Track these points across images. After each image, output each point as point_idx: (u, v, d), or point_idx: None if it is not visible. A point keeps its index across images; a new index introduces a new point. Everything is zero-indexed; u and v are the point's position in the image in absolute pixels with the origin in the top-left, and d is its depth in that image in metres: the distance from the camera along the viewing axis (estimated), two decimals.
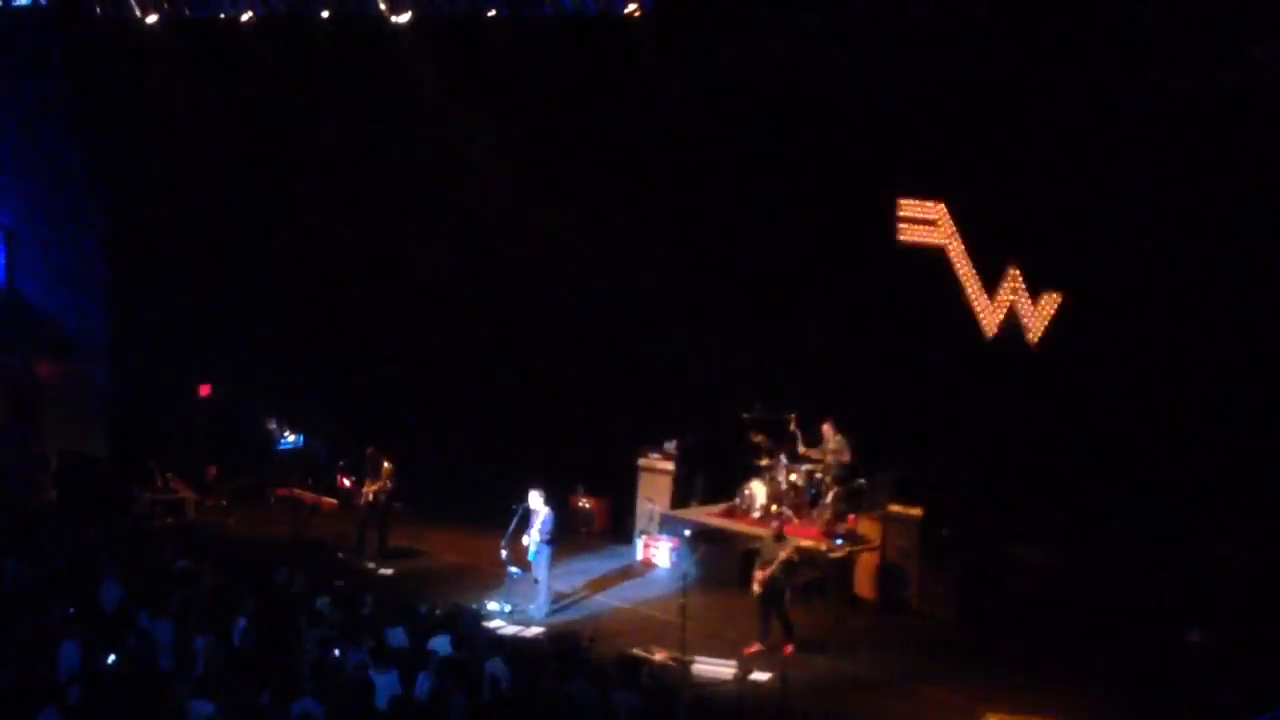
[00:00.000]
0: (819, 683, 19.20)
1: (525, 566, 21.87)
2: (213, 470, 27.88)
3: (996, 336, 24.66)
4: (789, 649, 20.28)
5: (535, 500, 21.80)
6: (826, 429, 24.32)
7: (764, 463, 24.38)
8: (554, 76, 26.96)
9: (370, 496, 24.63)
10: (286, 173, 28.71)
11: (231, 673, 16.30)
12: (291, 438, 28.63)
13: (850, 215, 25.68)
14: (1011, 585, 22.28)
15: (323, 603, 18.79)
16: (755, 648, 20.24)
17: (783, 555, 20.55)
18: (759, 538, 23.26)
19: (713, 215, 26.92)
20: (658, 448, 25.40)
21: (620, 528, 26.03)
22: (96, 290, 28.53)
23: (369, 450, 25.03)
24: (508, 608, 21.52)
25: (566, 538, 24.26)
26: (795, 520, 23.65)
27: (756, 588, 20.59)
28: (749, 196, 26.38)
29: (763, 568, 20.59)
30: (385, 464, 24.87)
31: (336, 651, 17.15)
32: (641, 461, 25.39)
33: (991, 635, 21.11)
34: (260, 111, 28.50)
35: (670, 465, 25.17)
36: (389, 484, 24.67)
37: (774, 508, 23.87)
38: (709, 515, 24.58)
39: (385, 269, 29.20)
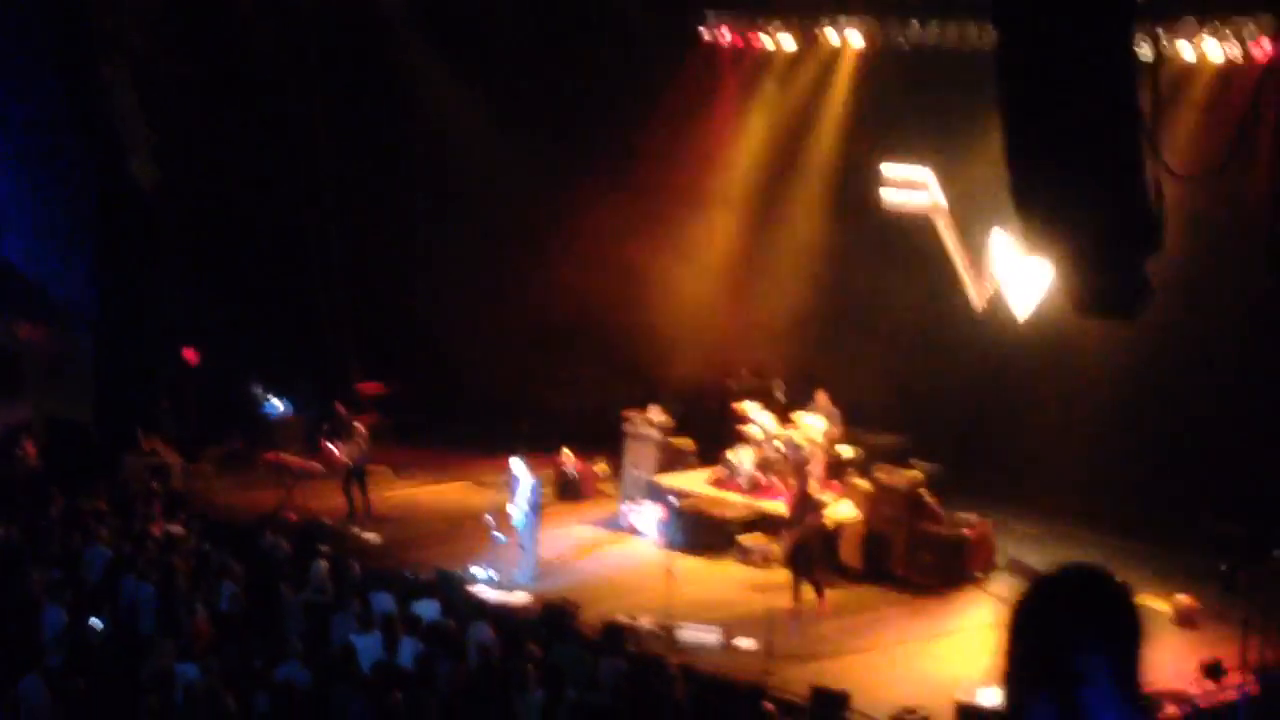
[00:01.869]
0: (804, 649, 19.27)
1: (510, 533, 21.90)
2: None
3: (985, 305, 24.73)
4: (824, 607, 20.44)
5: (518, 467, 21.84)
6: (820, 398, 24.35)
7: (751, 430, 24.41)
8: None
9: (346, 458, 24.70)
10: (276, 139, 28.63)
11: (217, 637, 16.36)
12: (278, 404, 28.61)
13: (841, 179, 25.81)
14: (996, 552, 22.36)
15: (317, 569, 18.84)
16: (788, 606, 20.37)
17: (818, 518, 20.78)
18: (750, 505, 23.40)
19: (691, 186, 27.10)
20: (644, 414, 25.40)
21: (606, 494, 26.05)
22: (84, 256, 28.43)
23: (338, 409, 25.16)
24: (493, 573, 21.56)
25: (552, 503, 24.32)
26: (781, 487, 23.70)
27: (783, 551, 20.73)
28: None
29: (789, 531, 20.72)
30: (356, 425, 24.93)
31: (322, 617, 17.22)
32: (627, 428, 25.40)
33: (976, 603, 21.20)
34: (248, 77, 28.40)
35: (656, 431, 25.18)
36: (362, 445, 24.71)
37: (760, 475, 23.91)
38: (695, 482, 24.60)
39: (372, 234, 29.19)
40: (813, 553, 20.82)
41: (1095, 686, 4.23)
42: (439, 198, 29.67)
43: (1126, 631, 4.32)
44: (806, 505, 20.99)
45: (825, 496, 22.41)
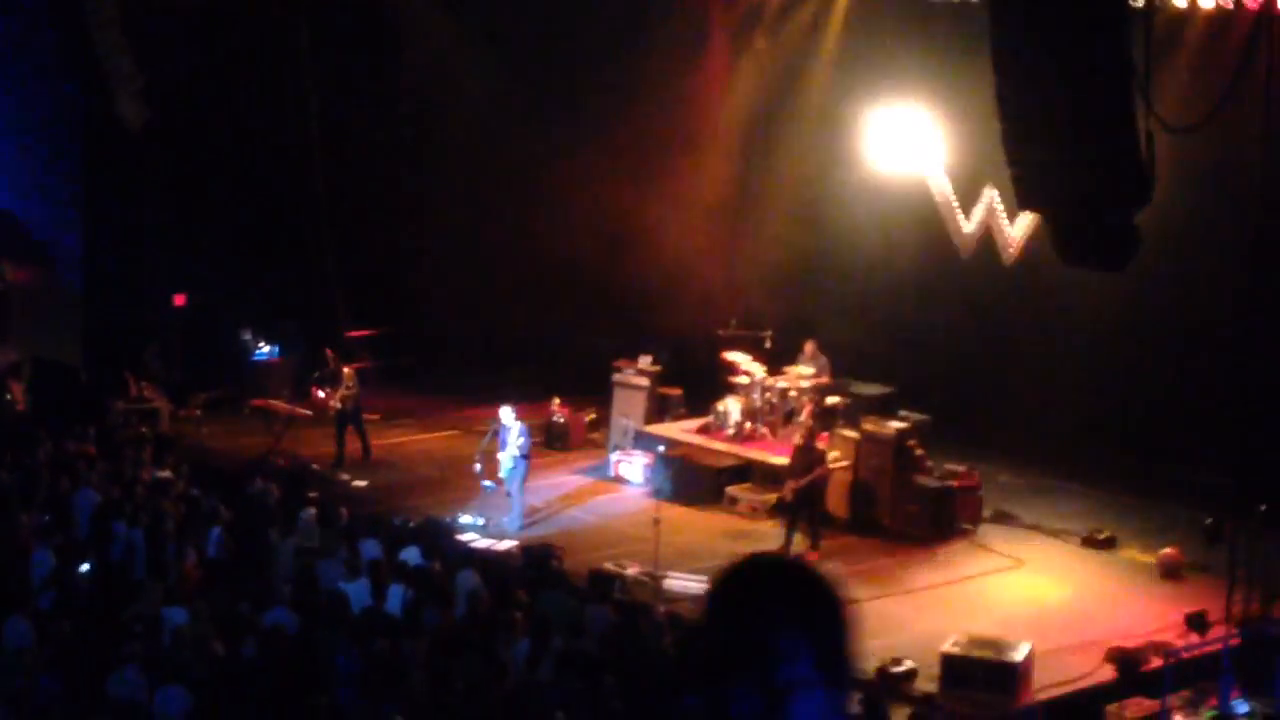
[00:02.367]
0: None
1: (498, 480, 21.93)
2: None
3: (973, 256, 24.75)
4: (813, 556, 20.49)
5: (506, 415, 21.85)
6: (809, 348, 24.36)
7: (740, 379, 24.42)
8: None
9: (337, 404, 24.68)
10: (266, 81, 28.47)
11: (205, 582, 16.39)
12: (266, 349, 28.57)
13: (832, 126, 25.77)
14: (983, 504, 22.41)
15: (306, 515, 18.85)
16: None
17: (827, 464, 21.01)
18: (738, 455, 23.42)
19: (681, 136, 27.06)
20: (633, 363, 25.39)
21: (595, 442, 26.07)
22: (72, 197, 28.31)
23: (328, 354, 25.14)
24: (481, 521, 21.60)
25: (540, 451, 24.33)
26: (770, 437, 23.73)
27: (789, 495, 20.78)
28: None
29: (794, 476, 20.77)
30: (345, 369, 24.94)
31: (310, 562, 17.25)
32: (616, 377, 25.39)
33: (963, 555, 21.26)
34: (238, 17, 28.23)
35: (645, 380, 25.18)
36: (352, 389, 24.69)
37: (748, 425, 23.94)
38: (684, 431, 24.63)
39: (361, 179, 29.09)
40: (815, 504, 20.89)
41: (796, 666, 4.13)
42: (428, 143, 29.58)
43: (826, 614, 4.21)
44: (812, 456, 21.02)
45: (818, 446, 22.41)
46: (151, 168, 28.05)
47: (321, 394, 26.59)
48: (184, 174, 28.11)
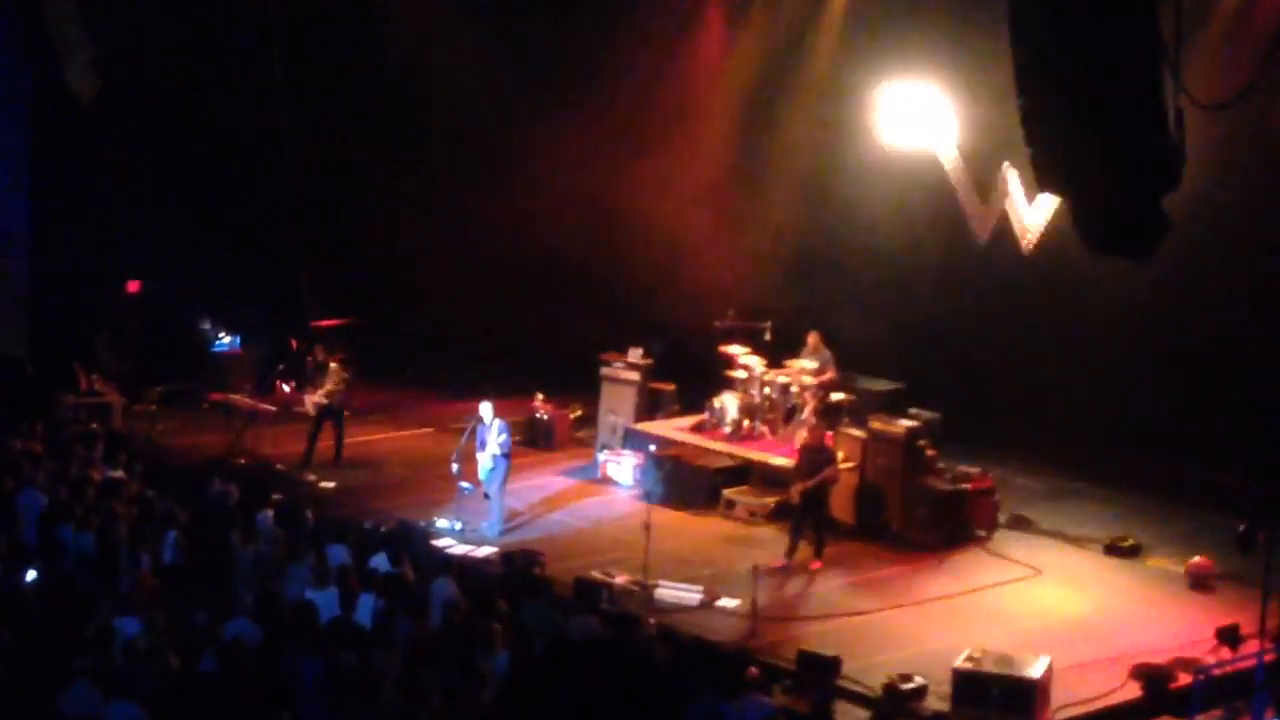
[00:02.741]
0: (791, 610, 19.37)
1: (477, 481, 21.93)
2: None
3: (990, 242, 24.78)
4: (816, 564, 20.63)
5: (486, 412, 21.85)
6: (812, 340, 24.37)
7: (738, 374, 24.43)
8: None
9: (322, 401, 24.60)
10: (228, 52, 28.44)
11: (160, 590, 16.37)
12: (227, 339, 28.55)
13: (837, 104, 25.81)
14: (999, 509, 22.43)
15: (264, 518, 18.84)
16: (780, 562, 20.51)
17: (837, 465, 21.04)
18: (735, 455, 23.43)
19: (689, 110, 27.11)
20: (622, 355, 25.39)
21: (581, 441, 26.08)
22: (15, 174, 28.24)
23: (315, 349, 25.10)
24: (458, 525, 21.59)
25: (522, 450, 24.33)
26: (770, 435, 23.74)
27: (795, 498, 20.79)
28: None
29: (802, 477, 20.78)
30: (333, 365, 24.92)
31: (274, 570, 17.24)
32: (604, 370, 25.39)
33: (978, 563, 21.29)
34: None
35: (636, 375, 25.19)
36: (340, 387, 24.66)
37: (746, 422, 23.94)
38: (677, 429, 24.64)
39: (330, 159, 29.07)
40: (821, 508, 20.91)
41: None
42: (403, 121, 29.58)
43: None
44: (821, 456, 21.03)
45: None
46: (104, 144, 27.99)
47: (287, 388, 26.58)
48: (139, 151, 28.05)
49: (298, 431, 25.00)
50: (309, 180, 29.31)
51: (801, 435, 22.14)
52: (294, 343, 28.23)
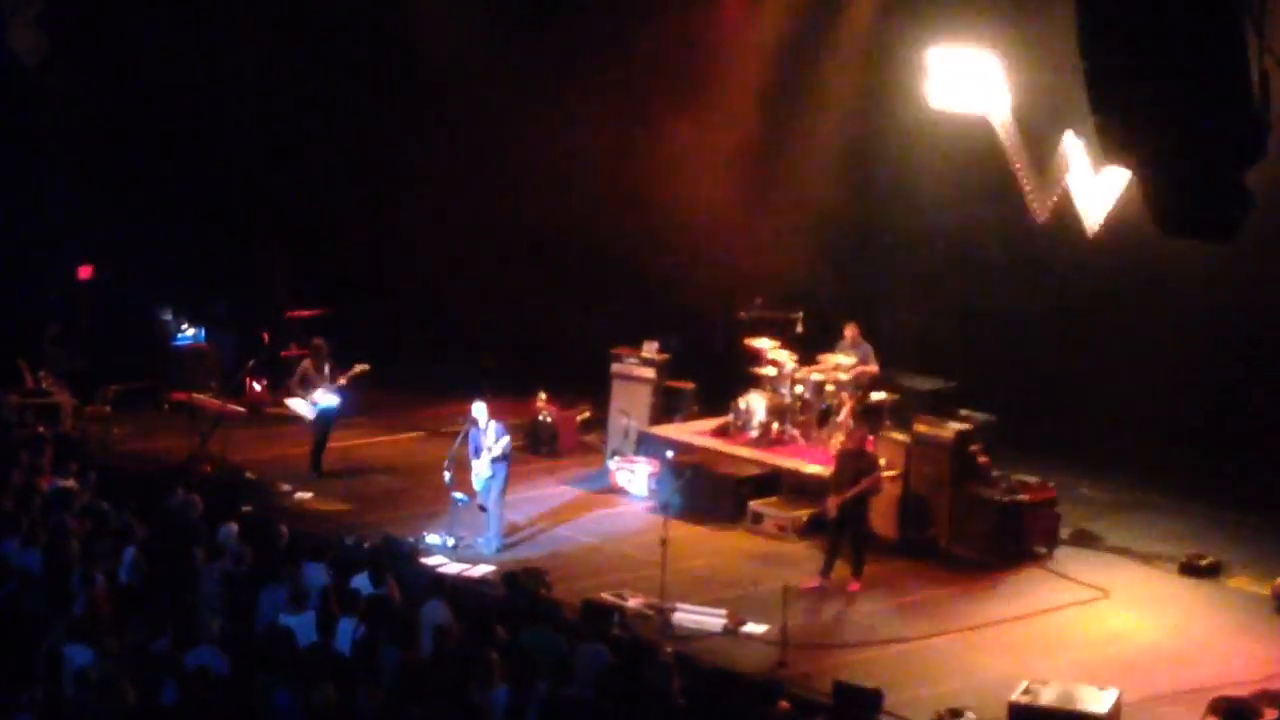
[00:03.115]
0: (826, 637, 19.38)
1: (472, 492, 21.95)
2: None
3: (1050, 222, 24.75)
4: (855, 586, 20.65)
5: (480, 412, 21.85)
6: (849, 333, 24.37)
7: (765, 370, 24.44)
8: None
9: (332, 399, 24.43)
10: (189, 14, 28.47)
11: (116, 614, 16.39)
12: (190, 332, 28.58)
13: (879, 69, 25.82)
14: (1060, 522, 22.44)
15: (226, 532, 18.86)
16: (814, 583, 20.54)
17: (880, 474, 21.00)
18: (763, 462, 23.43)
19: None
20: (635, 350, 25.41)
21: (589, 446, 26.11)
22: None
23: (315, 342, 24.95)
24: (451, 541, 21.61)
25: (523, 457, 24.34)
26: (801, 440, 23.76)
27: (832, 511, 20.80)
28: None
29: (839, 488, 20.78)
30: (358, 367, 24.58)
31: (243, 591, 17.26)
32: (615, 367, 25.41)
33: (1035, 584, 21.29)
34: None
35: (650, 372, 25.20)
36: (348, 386, 24.59)
37: (775, 425, 23.96)
38: (697, 433, 24.65)
39: (306, 132, 29.09)
40: (861, 522, 20.90)
41: None
42: (388, 91, 29.55)
43: None
44: (862, 463, 21.01)
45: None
46: (51, 112, 28.05)
47: (258, 386, 26.60)
48: (91, 120, 28.10)
49: (270, 435, 25.05)
50: (284, 154, 29.31)
51: (839, 440, 22.15)
52: (266, 336, 28.24)
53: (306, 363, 24.79)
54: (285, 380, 26.19)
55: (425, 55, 29.07)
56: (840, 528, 20.91)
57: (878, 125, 26.51)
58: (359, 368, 24.50)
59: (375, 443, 26.29)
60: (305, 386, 24.58)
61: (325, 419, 24.59)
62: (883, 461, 21.76)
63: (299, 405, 24.68)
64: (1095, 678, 17.51)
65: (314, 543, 19.24)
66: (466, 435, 21.94)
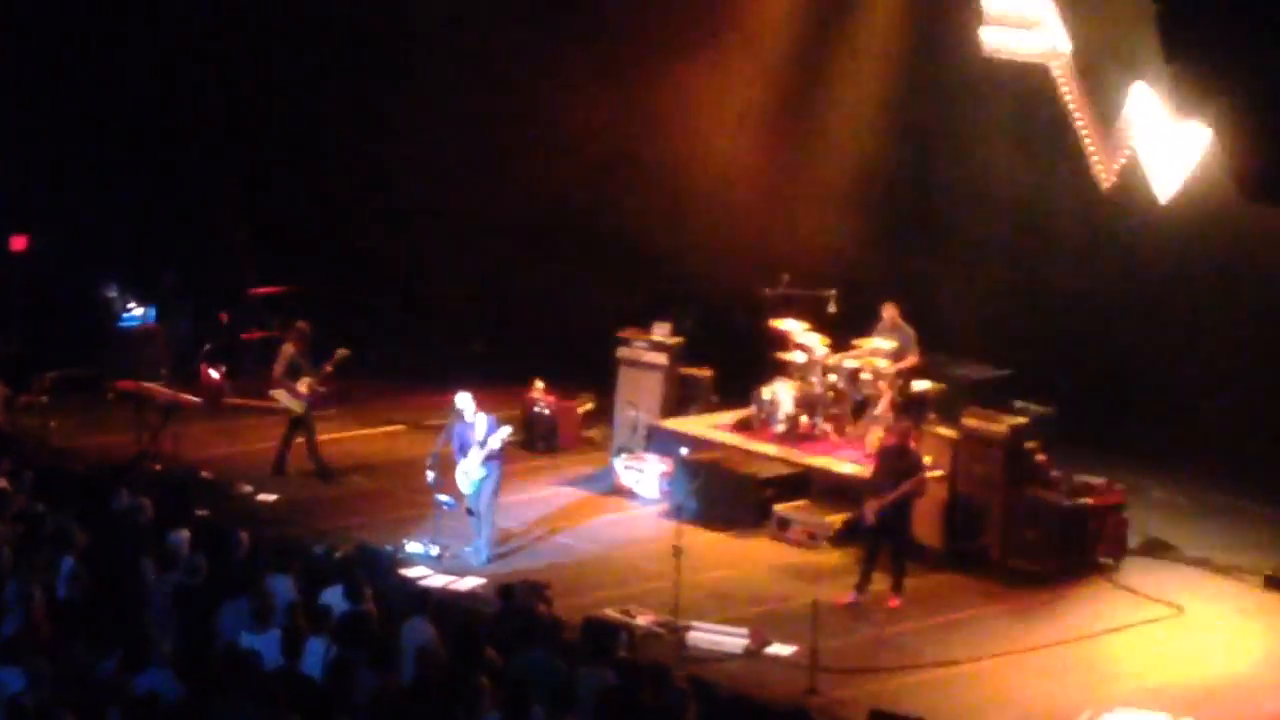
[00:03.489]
0: (861, 660, 19.35)
1: (459, 494, 21.94)
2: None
3: (1117, 186, 24.73)
4: (895, 602, 20.63)
5: (465, 404, 21.81)
6: (888, 314, 24.34)
7: (793, 356, 24.42)
8: None
9: (318, 388, 24.33)
10: None
11: (53, 633, 16.37)
12: (138, 310, 28.57)
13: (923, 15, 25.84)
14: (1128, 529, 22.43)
15: (179, 539, 18.84)
16: (848, 598, 20.56)
17: (924, 474, 20.95)
18: (790, 460, 23.42)
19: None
20: (645, 332, 25.39)
21: (592, 442, 26.11)
22: None
23: (298, 325, 24.75)
24: (435, 550, 21.61)
25: (517, 454, 24.33)
26: (833, 435, 23.74)
27: (870, 517, 20.78)
28: None
29: (878, 490, 20.75)
30: (341, 352, 24.45)
31: (199, 606, 17.24)
32: (622, 352, 25.39)
33: (1100, 599, 21.27)
34: None
35: (662, 357, 25.18)
36: (331, 375, 24.49)
37: (804, 419, 23.93)
38: (715, 428, 24.64)
39: (271, 87, 29.07)
40: (903, 529, 20.87)
41: None
42: (366, 42, 29.52)
43: None
44: (905, 461, 20.97)
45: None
46: None
47: (215, 374, 26.56)
48: (26, 71, 28.09)
49: (228, 430, 25.02)
50: (246, 110, 29.29)
51: (877, 435, 22.09)
52: (224, 316, 28.19)
53: (289, 348, 24.56)
54: (248, 366, 26.20)
55: (413, 11, 29.10)
56: (879, 536, 20.87)
57: (923, 76, 26.48)
58: (340, 353, 24.42)
59: (347, 437, 26.29)
60: (292, 376, 24.42)
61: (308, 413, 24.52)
62: (928, 459, 21.74)
63: (286, 398, 24.51)
64: (1167, 706, 17.54)
65: (279, 551, 19.21)
66: (451, 430, 21.92)
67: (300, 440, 24.67)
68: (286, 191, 29.11)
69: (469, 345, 27.69)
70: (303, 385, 24.36)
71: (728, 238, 27.16)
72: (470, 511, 21.82)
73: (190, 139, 29.12)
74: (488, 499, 21.80)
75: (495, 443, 21.67)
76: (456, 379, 23.13)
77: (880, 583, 20.81)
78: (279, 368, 24.59)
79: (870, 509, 20.87)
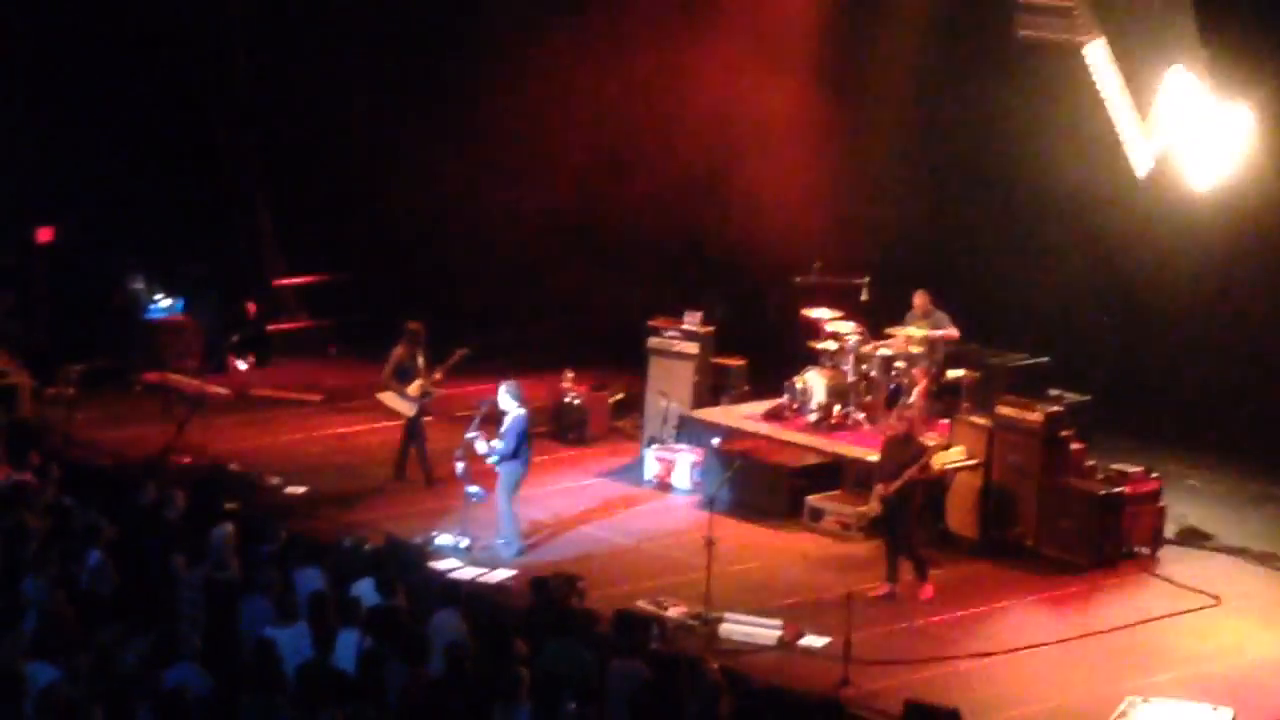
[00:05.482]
0: (895, 651, 19.35)
1: (489, 486, 21.94)
2: None
3: (1153, 173, 24.68)
4: (928, 591, 20.61)
5: (505, 399, 21.77)
6: (920, 301, 24.33)
7: (826, 345, 24.41)
8: None
9: (430, 389, 23.97)
10: None
11: (81, 627, 16.42)
12: (165, 302, 28.62)
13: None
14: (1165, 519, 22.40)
15: (220, 535, 18.88)
16: (882, 589, 20.56)
17: (924, 462, 20.89)
18: (822, 450, 23.42)
19: None
20: (676, 321, 25.38)
21: (623, 432, 26.11)
22: None
23: (409, 326, 24.29)
24: (465, 543, 21.62)
25: (547, 445, 24.34)
26: (867, 424, 23.73)
27: (876, 506, 20.79)
28: None
29: (885, 481, 20.75)
30: (458, 351, 24.11)
31: (227, 600, 17.29)
32: (653, 341, 25.38)
33: (1137, 589, 21.26)
34: None
35: (693, 347, 25.18)
36: (439, 378, 24.11)
37: (837, 408, 23.93)
38: (747, 417, 24.64)
39: (299, 69, 29.09)
40: (914, 515, 20.86)
41: None
42: (389, 20, 29.54)
43: None
44: (907, 448, 20.99)
45: (929, 438, 22.42)
46: (2, 50, 28.08)
47: (242, 365, 26.61)
48: (49, 60, 28.12)
49: (257, 422, 25.05)
50: (272, 97, 29.31)
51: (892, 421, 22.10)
52: (251, 307, 28.25)
53: (398, 349, 24.08)
54: (275, 358, 26.20)
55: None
56: (891, 527, 20.85)
57: (957, 61, 26.43)
58: (459, 352, 24.00)
59: (376, 429, 26.26)
60: (400, 378, 24.08)
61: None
62: (955, 448, 21.72)
63: (394, 400, 24.22)
64: (1206, 697, 17.49)
65: (309, 544, 19.27)
66: (483, 419, 21.89)
67: (329, 429, 24.71)
68: (313, 180, 29.11)
69: (498, 334, 27.69)
70: (413, 388, 23.96)
71: (759, 225, 27.14)
72: (501, 504, 21.81)
73: (216, 130, 29.15)
74: (508, 491, 21.71)
75: (521, 435, 21.59)
76: (484, 369, 23.14)
77: (909, 572, 20.81)
78: (387, 370, 24.05)
79: (875, 497, 20.89)
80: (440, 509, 22.45)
